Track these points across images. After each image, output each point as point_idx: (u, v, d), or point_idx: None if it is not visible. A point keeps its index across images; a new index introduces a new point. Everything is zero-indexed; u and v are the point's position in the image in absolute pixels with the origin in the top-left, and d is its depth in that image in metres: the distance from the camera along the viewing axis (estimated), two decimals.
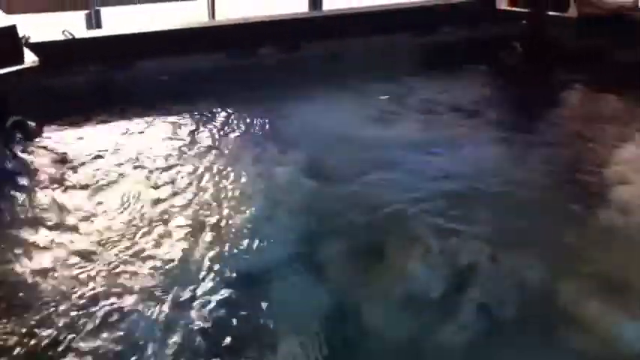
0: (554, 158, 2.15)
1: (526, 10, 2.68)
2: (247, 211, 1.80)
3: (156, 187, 1.90)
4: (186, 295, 1.50)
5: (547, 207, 1.93)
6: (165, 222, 1.75)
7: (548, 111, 2.51)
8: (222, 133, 2.18)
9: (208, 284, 1.54)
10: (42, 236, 1.69)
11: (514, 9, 2.67)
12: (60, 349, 1.35)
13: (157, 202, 1.84)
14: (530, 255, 1.66)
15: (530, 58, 2.69)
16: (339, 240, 1.72)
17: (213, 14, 3.42)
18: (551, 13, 2.66)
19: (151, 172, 1.97)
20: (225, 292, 1.52)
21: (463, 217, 1.81)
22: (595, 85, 2.59)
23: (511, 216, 1.86)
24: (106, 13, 3.18)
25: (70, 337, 1.37)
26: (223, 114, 2.29)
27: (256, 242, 1.69)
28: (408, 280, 1.60)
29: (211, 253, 1.63)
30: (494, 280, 1.59)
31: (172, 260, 1.60)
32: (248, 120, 2.25)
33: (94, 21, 3.06)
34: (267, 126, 2.23)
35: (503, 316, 1.50)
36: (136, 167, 2.00)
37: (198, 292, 1.51)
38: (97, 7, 3.10)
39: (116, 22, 3.11)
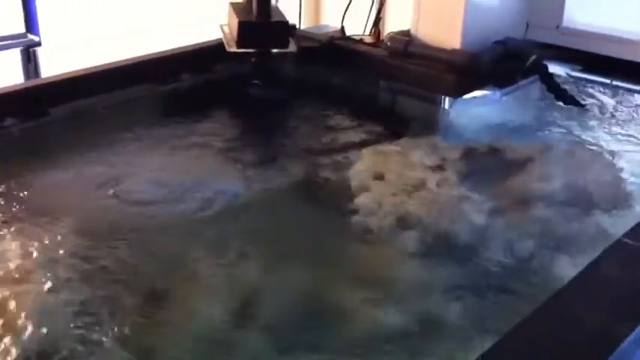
0: (298, 175, 2.37)
1: (253, 51, 2.91)
2: (27, 285, 1.77)
3: None
4: None
5: (301, 219, 2.15)
6: None
7: (290, 134, 2.78)
8: None
9: None
10: None
11: (242, 50, 2.87)
12: None
13: None
14: (301, 266, 1.87)
15: (269, 91, 2.93)
16: (124, 292, 1.76)
17: None
18: (274, 50, 2.92)
19: None
20: None
21: (237, 244, 1.94)
22: (322, 106, 2.92)
23: (274, 231, 2.06)
24: None
25: None
26: None
27: (40, 312, 1.67)
28: (196, 317, 1.69)
29: None
30: (274, 297, 1.77)
31: None
32: (5, 196, 2.15)
33: None
34: (25, 199, 2.15)
35: (285, 328, 1.68)
36: None
37: None
38: None
39: None
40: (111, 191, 2.24)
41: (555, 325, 1.33)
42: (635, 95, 2.92)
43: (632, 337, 1.28)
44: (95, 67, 2.75)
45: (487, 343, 1.39)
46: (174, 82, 2.93)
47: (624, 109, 2.87)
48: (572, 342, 1.29)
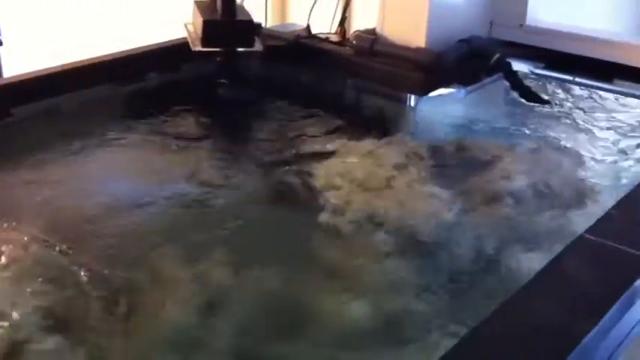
0: (265, 175, 2.36)
1: (218, 50, 2.90)
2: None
3: None
4: None
5: (269, 220, 2.15)
6: None
7: (256, 133, 2.76)
8: None
9: None
10: None
11: (208, 49, 2.87)
12: None
13: None
14: (270, 266, 1.86)
15: (236, 91, 2.92)
16: (94, 293, 1.74)
17: None
18: (240, 49, 2.92)
19: None
20: None
21: (204, 244, 1.94)
22: (288, 105, 2.92)
23: (242, 234, 2.04)
24: None
25: None
26: None
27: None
28: (166, 321, 1.67)
29: None
30: (244, 297, 1.76)
31: None
32: None
33: None
34: None
35: (256, 329, 1.67)
36: None
37: None
38: None
39: None
40: (71, 193, 2.22)
41: (517, 323, 1.35)
42: (597, 91, 2.97)
43: (593, 333, 1.30)
44: (60, 65, 2.72)
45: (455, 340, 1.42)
46: (141, 81, 2.91)
47: (586, 105, 2.92)
48: (534, 339, 1.31)
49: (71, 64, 2.74)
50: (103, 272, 1.84)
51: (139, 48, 2.96)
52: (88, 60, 2.79)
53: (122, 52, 2.90)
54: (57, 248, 1.91)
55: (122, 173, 2.37)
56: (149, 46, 3.00)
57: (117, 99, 2.82)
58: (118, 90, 2.84)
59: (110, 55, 2.87)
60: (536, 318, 1.37)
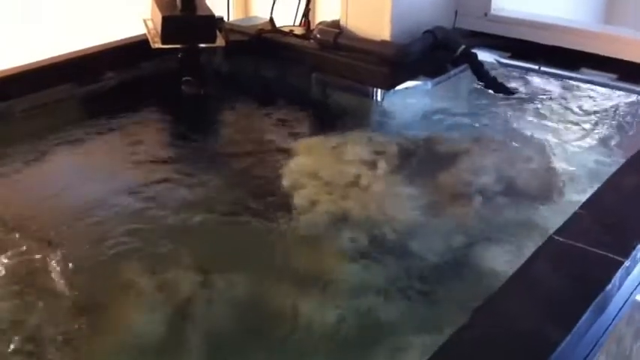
0: (228, 175, 2.33)
1: (180, 46, 2.83)
2: None
3: None
4: None
5: (232, 222, 2.09)
6: None
7: (219, 131, 2.75)
8: None
9: None
10: None
11: (168, 46, 2.79)
12: None
13: None
14: (234, 270, 1.83)
15: (203, 86, 2.85)
16: (57, 300, 1.71)
17: None
18: (202, 45, 2.85)
19: None
20: None
21: (171, 250, 1.90)
22: (252, 101, 2.88)
23: (205, 237, 2.01)
24: None
25: None
26: None
27: None
28: (133, 328, 1.65)
29: None
30: (212, 304, 1.73)
31: None
32: None
33: None
34: None
35: (226, 335, 1.65)
36: None
37: None
38: None
39: None
40: (26, 196, 2.17)
41: (490, 329, 1.32)
42: (563, 80, 2.96)
43: (569, 337, 1.28)
44: (13, 68, 2.64)
45: (426, 342, 1.41)
46: (100, 81, 2.82)
47: (553, 94, 2.91)
48: (507, 346, 1.28)
49: (26, 65, 2.66)
50: (63, 279, 1.78)
51: (96, 47, 2.87)
52: (42, 61, 2.71)
53: (78, 51, 2.81)
54: (13, 252, 1.86)
55: (76, 177, 2.31)
56: (107, 44, 2.92)
57: (74, 101, 2.74)
58: (76, 91, 2.75)
59: (66, 54, 2.78)
60: (510, 324, 1.34)
